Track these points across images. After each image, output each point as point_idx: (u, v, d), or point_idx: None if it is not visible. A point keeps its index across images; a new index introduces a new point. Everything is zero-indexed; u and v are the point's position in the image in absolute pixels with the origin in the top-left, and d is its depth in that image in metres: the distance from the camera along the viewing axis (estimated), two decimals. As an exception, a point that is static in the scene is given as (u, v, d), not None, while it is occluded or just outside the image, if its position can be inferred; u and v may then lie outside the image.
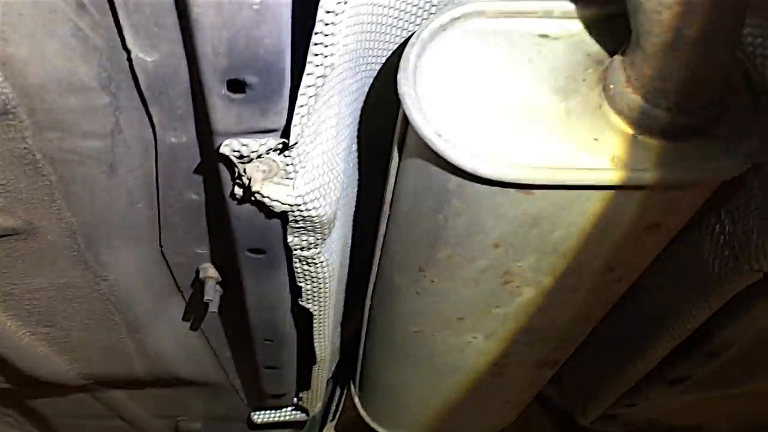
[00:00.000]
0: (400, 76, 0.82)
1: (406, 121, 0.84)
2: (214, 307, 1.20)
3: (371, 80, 1.00)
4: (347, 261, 1.38)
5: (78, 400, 1.73)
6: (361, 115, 1.05)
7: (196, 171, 0.90)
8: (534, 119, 0.84)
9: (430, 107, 0.82)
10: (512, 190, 0.85)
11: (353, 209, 1.25)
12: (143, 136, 0.85)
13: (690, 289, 1.16)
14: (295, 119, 0.78)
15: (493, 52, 0.86)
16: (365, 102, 1.03)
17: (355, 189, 1.22)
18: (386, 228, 1.13)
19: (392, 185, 1.03)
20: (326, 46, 0.75)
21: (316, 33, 0.73)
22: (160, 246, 1.11)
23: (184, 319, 1.34)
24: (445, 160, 0.82)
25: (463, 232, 0.97)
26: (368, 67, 0.96)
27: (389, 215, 1.10)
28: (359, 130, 1.08)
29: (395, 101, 0.84)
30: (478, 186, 0.85)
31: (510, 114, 0.84)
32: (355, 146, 1.11)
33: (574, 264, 1.02)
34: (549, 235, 0.95)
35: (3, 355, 1.32)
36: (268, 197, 0.87)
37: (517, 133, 0.83)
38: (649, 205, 0.88)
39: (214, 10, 0.65)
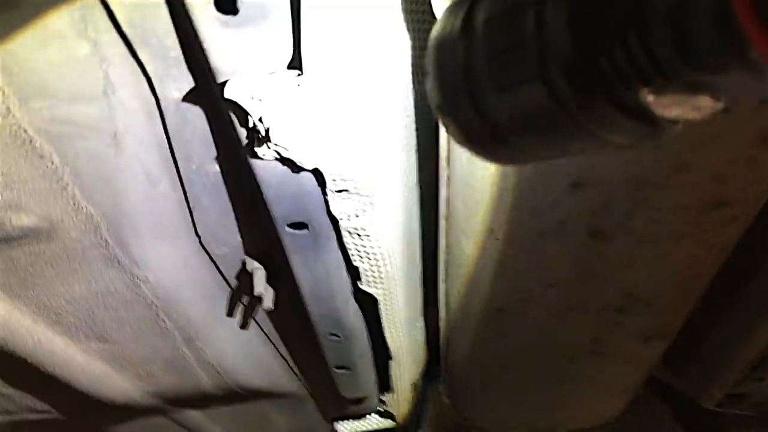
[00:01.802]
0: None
1: None
2: (268, 302, 1.07)
3: None
4: (417, 233, 1.21)
5: (155, 424, 1.64)
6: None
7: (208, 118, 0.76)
8: None
9: None
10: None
11: (416, 171, 1.09)
12: (141, 93, 0.73)
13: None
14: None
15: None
16: None
17: (413, 151, 1.06)
18: (447, 185, 0.97)
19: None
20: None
21: None
22: (197, 236, 1.00)
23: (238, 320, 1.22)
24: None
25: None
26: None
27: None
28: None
29: None
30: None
31: None
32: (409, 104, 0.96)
33: (674, 197, 0.83)
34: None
35: (61, 377, 1.24)
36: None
37: None
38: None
39: None
